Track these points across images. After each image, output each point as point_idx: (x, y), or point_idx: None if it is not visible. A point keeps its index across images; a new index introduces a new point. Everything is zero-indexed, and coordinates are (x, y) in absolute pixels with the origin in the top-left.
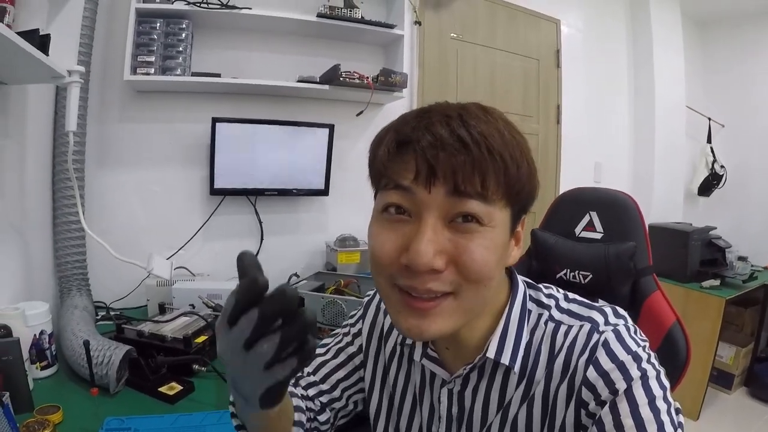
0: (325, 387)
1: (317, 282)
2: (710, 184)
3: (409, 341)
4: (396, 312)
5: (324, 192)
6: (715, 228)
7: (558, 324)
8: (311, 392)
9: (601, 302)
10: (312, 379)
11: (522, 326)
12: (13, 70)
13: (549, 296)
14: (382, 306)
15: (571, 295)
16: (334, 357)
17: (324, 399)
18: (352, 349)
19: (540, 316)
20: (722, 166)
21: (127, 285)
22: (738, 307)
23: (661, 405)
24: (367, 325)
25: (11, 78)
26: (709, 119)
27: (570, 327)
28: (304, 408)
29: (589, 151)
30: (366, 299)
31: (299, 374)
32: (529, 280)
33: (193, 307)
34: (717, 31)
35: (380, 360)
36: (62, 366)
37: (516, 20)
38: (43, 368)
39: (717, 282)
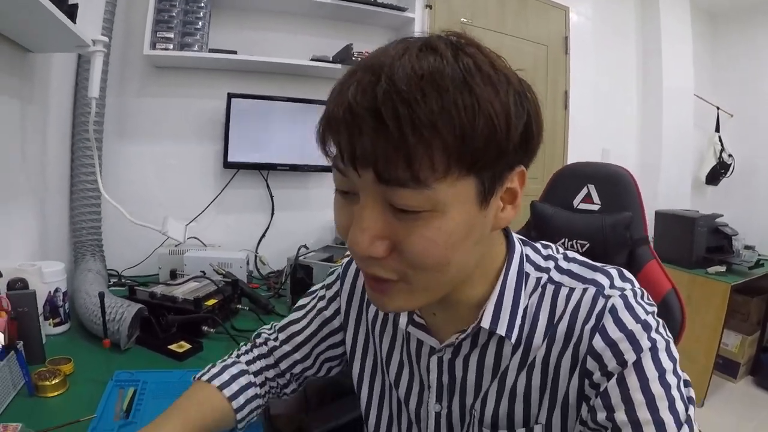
0: (298, 356)
1: (326, 254)
2: (718, 173)
3: None
4: (366, 285)
5: None
6: (722, 215)
7: (558, 286)
8: (283, 365)
9: (604, 264)
10: (285, 349)
11: (519, 292)
12: (40, 37)
13: (547, 257)
14: (360, 271)
15: (570, 254)
16: (309, 324)
17: (297, 369)
18: (327, 314)
19: (538, 279)
20: (730, 155)
21: (140, 253)
22: (744, 295)
23: (671, 379)
24: (346, 288)
25: (37, 46)
26: (718, 108)
27: (572, 290)
28: (259, 392)
29: (596, 137)
30: (345, 260)
31: (256, 350)
32: (525, 238)
33: (204, 274)
34: (726, 22)
35: (362, 324)
36: (74, 325)
37: (525, 6)
38: (56, 325)
39: (723, 269)
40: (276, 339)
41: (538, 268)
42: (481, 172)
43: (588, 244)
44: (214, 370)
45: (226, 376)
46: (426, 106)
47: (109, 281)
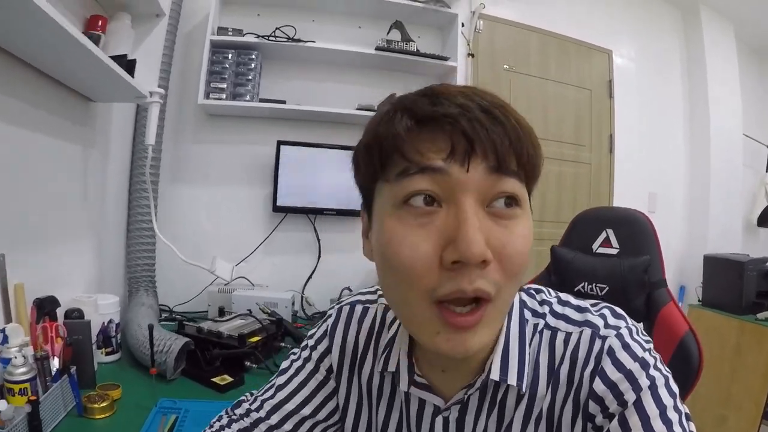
0: (288, 427)
1: None
2: None
3: (391, 368)
4: (433, 333)
5: None
6: None
7: (554, 331)
8: None
9: (595, 302)
10: (273, 420)
11: (524, 338)
12: (102, 89)
13: (542, 303)
14: (351, 328)
15: (563, 297)
16: (299, 389)
17: None
18: (319, 377)
19: (536, 325)
20: None
21: (191, 291)
22: None
23: (672, 415)
24: (337, 343)
25: (99, 96)
26: None
27: (569, 334)
28: None
29: (642, 180)
30: (330, 320)
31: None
32: None
33: (250, 312)
34: None
35: (354, 388)
36: (125, 355)
37: (567, 51)
38: (107, 354)
39: None
40: (259, 409)
41: (535, 314)
42: (530, 187)
43: (607, 288)
44: None
45: None
46: (517, 112)
47: (161, 315)
